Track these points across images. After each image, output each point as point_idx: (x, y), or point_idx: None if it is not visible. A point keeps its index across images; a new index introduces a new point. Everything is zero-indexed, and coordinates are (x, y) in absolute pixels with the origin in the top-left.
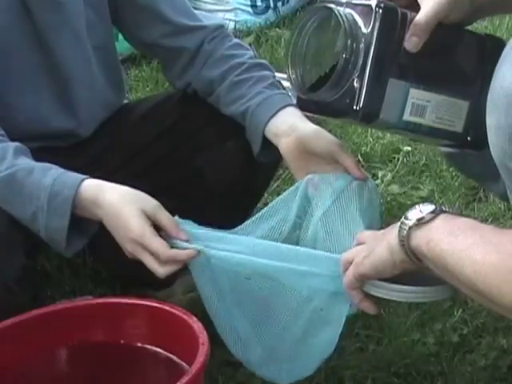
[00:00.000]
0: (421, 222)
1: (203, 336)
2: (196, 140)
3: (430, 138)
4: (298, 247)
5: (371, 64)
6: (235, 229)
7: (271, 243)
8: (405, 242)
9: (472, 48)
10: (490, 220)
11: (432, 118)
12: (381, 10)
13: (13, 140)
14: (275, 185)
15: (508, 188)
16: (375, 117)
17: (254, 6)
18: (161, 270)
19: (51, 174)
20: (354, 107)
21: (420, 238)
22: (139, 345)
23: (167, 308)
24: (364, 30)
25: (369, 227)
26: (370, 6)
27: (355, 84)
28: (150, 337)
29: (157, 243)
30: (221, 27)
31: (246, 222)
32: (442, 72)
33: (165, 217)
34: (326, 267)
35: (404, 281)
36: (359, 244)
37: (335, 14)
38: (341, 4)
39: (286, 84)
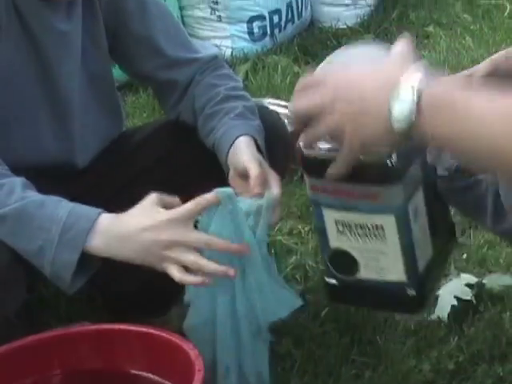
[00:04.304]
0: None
1: (199, 362)
2: (192, 169)
3: None
4: None
5: None
6: None
7: None
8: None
9: None
10: (485, 247)
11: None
12: None
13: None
14: None
15: None
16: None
17: (250, 32)
18: (204, 262)
19: (63, 207)
20: None
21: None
22: (135, 371)
23: (163, 334)
24: None
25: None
26: None
27: None
28: (146, 363)
29: (193, 232)
30: (215, 58)
31: None
32: None
33: (170, 200)
34: None
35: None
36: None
37: None
38: None
39: (282, 111)
